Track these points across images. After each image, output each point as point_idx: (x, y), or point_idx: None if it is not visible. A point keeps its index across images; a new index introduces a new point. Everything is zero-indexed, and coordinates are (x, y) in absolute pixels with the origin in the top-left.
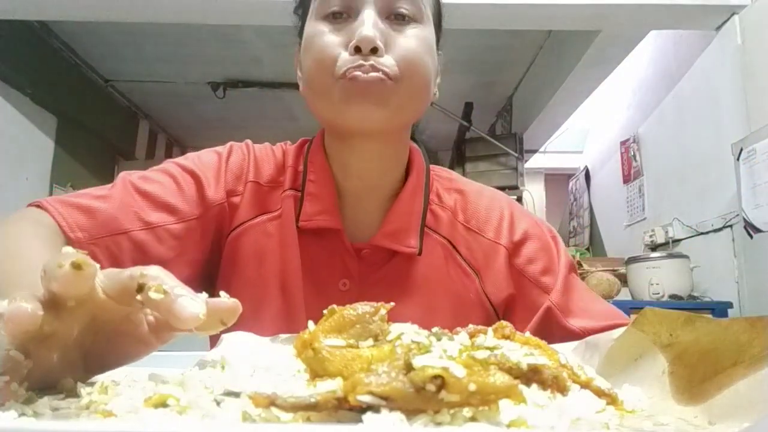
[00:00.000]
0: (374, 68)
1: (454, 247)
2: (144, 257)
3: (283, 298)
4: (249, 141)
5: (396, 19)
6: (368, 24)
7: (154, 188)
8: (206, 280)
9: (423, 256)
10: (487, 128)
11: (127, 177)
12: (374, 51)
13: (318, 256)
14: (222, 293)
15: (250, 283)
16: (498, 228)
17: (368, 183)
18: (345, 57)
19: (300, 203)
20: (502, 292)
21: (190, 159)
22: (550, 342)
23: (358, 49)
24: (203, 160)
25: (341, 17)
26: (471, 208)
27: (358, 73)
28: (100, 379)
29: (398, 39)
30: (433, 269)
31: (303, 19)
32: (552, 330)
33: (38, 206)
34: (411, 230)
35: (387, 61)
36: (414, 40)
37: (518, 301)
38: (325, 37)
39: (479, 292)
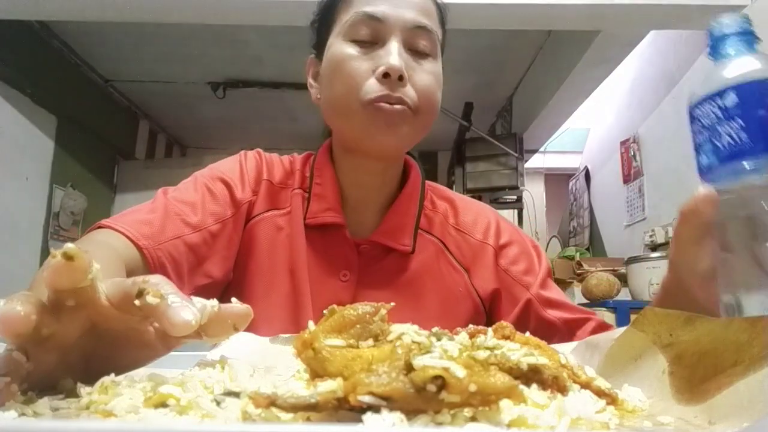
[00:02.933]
0: (400, 100)
1: (445, 246)
2: (196, 258)
3: (291, 284)
4: (259, 149)
5: (415, 53)
6: (395, 54)
7: (191, 197)
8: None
9: (416, 254)
10: (487, 128)
11: (166, 192)
12: (400, 79)
13: (322, 249)
14: (233, 299)
15: (263, 268)
16: (486, 231)
17: (369, 193)
18: (372, 83)
19: (307, 203)
20: (488, 287)
21: (214, 168)
22: (528, 330)
23: (386, 75)
24: (227, 167)
25: (367, 44)
26: (461, 213)
27: (384, 104)
28: (101, 379)
29: (418, 72)
30: (425, 266)
31: (320, 33)
32: (530, 319)
33: (100, 227)
34: (406, 230)
35: (410, 93)
36: (431, 77)
37: (502, 296)
38: (354, 62)
39: (468, 286)
